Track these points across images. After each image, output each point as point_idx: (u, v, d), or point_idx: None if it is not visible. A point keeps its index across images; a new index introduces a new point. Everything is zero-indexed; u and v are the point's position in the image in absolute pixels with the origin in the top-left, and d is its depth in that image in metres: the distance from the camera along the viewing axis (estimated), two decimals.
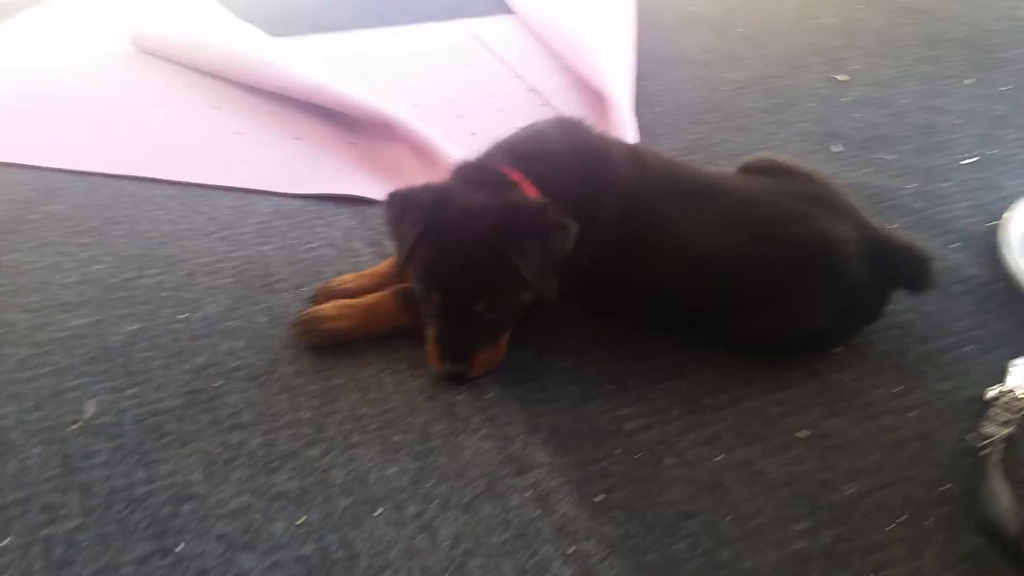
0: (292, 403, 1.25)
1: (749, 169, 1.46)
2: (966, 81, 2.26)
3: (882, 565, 1.00)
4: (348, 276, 1.45)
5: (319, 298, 1.42)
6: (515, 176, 1.25)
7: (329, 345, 1.33)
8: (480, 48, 2.55)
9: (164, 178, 1.84)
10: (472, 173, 1.28)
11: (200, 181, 1.82)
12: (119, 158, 1.92)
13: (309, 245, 1.61)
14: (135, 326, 1.40)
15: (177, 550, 1.03)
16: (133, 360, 1.33)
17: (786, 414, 1.21)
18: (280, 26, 2.63)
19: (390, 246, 1.31)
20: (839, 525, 1.05)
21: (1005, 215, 1.60)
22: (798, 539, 1.03)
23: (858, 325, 1.33)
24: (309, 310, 1.35)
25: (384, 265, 1.45)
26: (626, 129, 1.92)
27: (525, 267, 1.16)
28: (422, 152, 1.85)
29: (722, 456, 1.15)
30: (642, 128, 1.99)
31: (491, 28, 2.70)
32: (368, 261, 1.54)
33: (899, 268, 1.30)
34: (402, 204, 1.23)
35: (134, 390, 1.27)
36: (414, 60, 2.48)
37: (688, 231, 1.29)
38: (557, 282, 1.18)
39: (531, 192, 1.24)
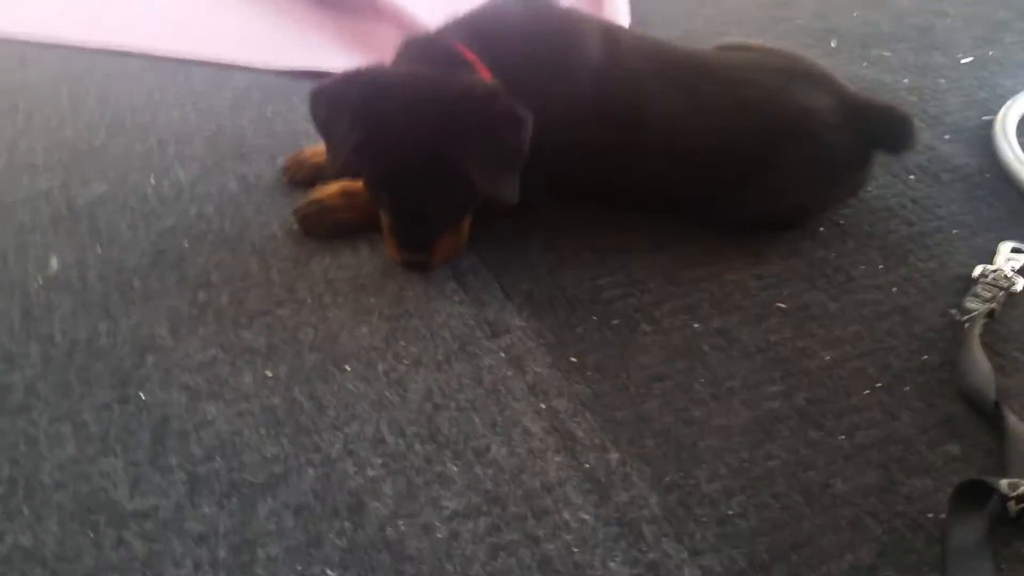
0: (263, 265, 1.21)
1: (726, 49, 1.41)
2: None
3: (856, 426, 0.99)
4: (319, 147, 1.39)
5: (290, 170, 1.38)
6: (469, 55, 1.14)
7: (336, 236, 1.26)
8: None
9: (138, 51, 1.77)
10: (420, 51, 1.16)
11: (175, 54, 1.76)
12: (93, 30, 1.84)
13: (285, 118, 1.56)
14: (102, 188, 1.36)
15: (140, 398, 1.01)
16: (99, 221, 1.29)
17: (765, 287, 1.19)
18: None
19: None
20: (814, 389, 1.03)
21: (1003, 107, 1.57)
22: (771, 400, 1.02)
23: (843, 193, 1.31)
24: (312, 198, 1.26)
25: None
26: (619, 15, 1.86)
27: (471, 168, 1.05)
28: (405, 28, 1.79)
29: (698, 325, 1.13)
30: (635, 20, 1.92)
31: None
32: None
33: (879, 130, 1.27)
34: (330, 104, 1.12)
35: (99, 249, 1.24)
36: None
37: (667, 112, 1.22)
38: (514, 183, 1.06)
39: (485, 74, 1.14)
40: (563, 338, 1.10)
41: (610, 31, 1.28)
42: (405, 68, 1.15)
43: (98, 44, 1.80)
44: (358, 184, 1.26)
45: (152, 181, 1.38)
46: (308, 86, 1.60)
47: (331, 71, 1.65)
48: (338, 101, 1.11)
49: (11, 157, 1.43)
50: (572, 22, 1.27)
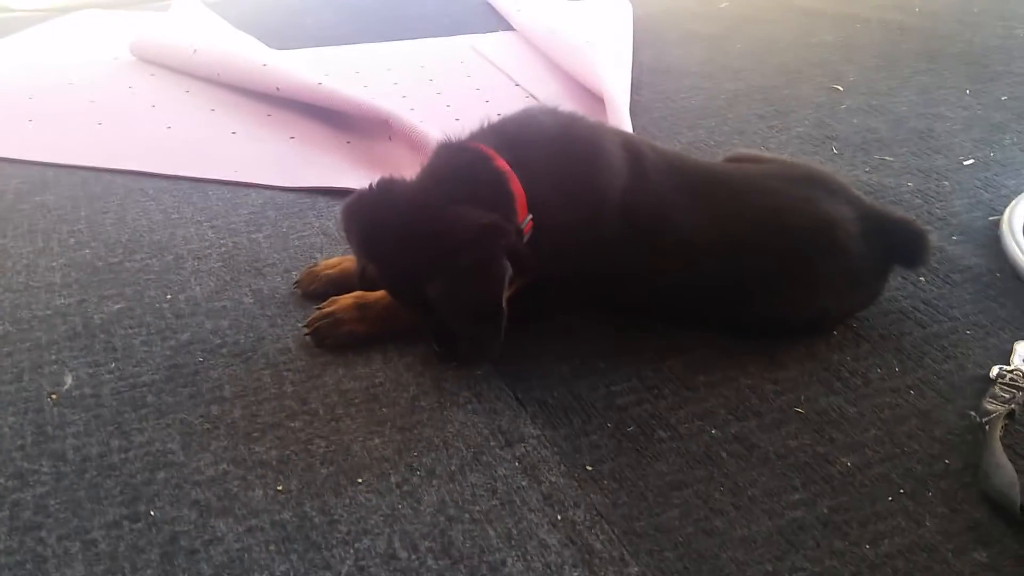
0: (276, 378, 1.21)
1: (735, 160, 1.44)
2: (964, 92, 2.25)
3: (881, 535, 0.96)
4: (333, 260, 1.42)
5: (304, 283, 1.39)
6: (500, 163, 1.17)
7: (348, 346, 1.26)
8: (479, 59, 2.56)
9: (156, 172, 1.83)
10: (451, 156, 1.20)
11: (192, 175, 1.81)
12: (112, 154, 1.91)
13: (300, 234, 1.59)
14: (119, 305, 1.37)
15: (150, 515, 0.99)
16: (115, 337, 1.30)
17: (782, 392, 1.18)
18: (277, 41, 2.63)
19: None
20: (836, 496, 1.01)
21: (1008, 207, 1.59)
22: (793, 509, 0.99)
23: (860, 303, 1.31)
24: (324, 310, 1.28)
25: None
26: (623, 128, 1.91)
27: (440, 305, 1.11)
28: (418, 149, 1.84)
29: (715, 431, 1.11)
30: (639, 131, 1.98)
31: (490, 42, 2.71)
32: None
33: (895, 244, 1.28)
34: (347, 220, 1.19)
35: (114, 364, 1.24)
36: (412, 70, 2.48)
37: (689, 221, 1.24)
38: (488, 331, 1.09)
39: (514, 183, 1.16)
40: (578, 446, 1.09)
41: (634, 143, 1.31)
42: (415, 186, 1.18)
43: (117, 165, 1.85)
44: (371, 296, 1.27)
45: (168, 297, 1.39)
46: (323, 202, 1.68)
47: (347, 188, 1.70)
48: (352, 220, 1.18)
49: (29, 276, 1.45)
50: (599, 133, 1.30)
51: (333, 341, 1.27)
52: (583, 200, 1.21)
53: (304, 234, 1.58)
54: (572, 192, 1.20)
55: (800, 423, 1.12)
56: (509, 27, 2.86)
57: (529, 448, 1.09)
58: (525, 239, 1.15)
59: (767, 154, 1.44)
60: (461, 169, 1.17)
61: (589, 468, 1.06)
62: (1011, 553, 0.93)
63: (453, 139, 1.23)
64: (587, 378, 1.21)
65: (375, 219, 1.15)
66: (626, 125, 1.95)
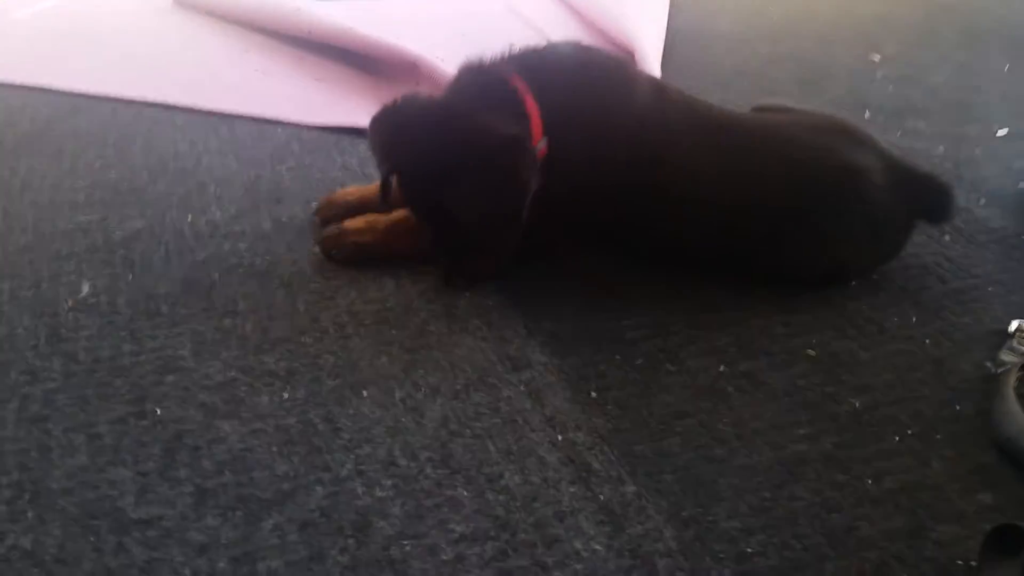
0: (289, 297, 1.22)
1: (762, 110, 1.42)
2: (1003, 69, 2.20)
3: (885, 471, 0.95)
4: (351, 188, 1.42)
5: (323, 210, 1.40)
6: (518, 83, 1.19)
7: (355, 260, 1.28)
8: (511, 15, 2.54)
9: (184, 105, 1.84)
10: (473, 77, 1.22)
11: (220, 108, 1.82)
12: (143, 85, 1.92)
13: (323, 168, 1.59)
14: (140, 224, 1.39)
15: (156, 413, 1.01)
16: (134, 252, 1.31)
17: (794, 334, 1.17)
18: None
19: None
20: (842, 433, 1.00)
21: None
22: (797, 442, 0.99)
23: (882, 257, 1.29)
24: (335, 226, 1.30)
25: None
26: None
27: (461, 212, 1.13)
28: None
29: (724, 367, 1.10)
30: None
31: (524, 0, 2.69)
32: None
33: (920, 198, 1.26)
34: (374, 133, 1.22)
35: (131, 277, 1.26)
36: (444, 23, 2.46)
37: (711, 165, 1.22)
38: (507, 230, 1.14)
39: (530, 105, 1.18)
40: (584, 375, 1.09)
41: (656, 81, 1.31)
42: (440, 100, 1.21)
43: (147, 97, 1.86)
44: (381, 217, 1.29)
45: (189, 219, 1.40)
46: (346, 140, 1.68)
47: None
48: (378, 131, 1.21)
49: (54, 194, 1.47)
50: (622, 69, 1.30)
51: (340, 253, 1.28)
52: (597, 129, 1.20)
53: (326, 169, 1.59)
54: (587, 120, 1.20)
55: (810, 364, 1.11)
56: None
57: (536, 374, 1.09)
58: (539, 164, 1.15)
59: (795, 105, 1.42)
60: (482, 88, 1.19)
61: (594, 395, 1.05)
62: (1017, 496, 0.92)
63: (475, 62, 1.24)
64: (598, 313, 1.20)
65: (401, 127, 1.18)
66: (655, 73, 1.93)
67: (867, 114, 1.89)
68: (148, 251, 1.32)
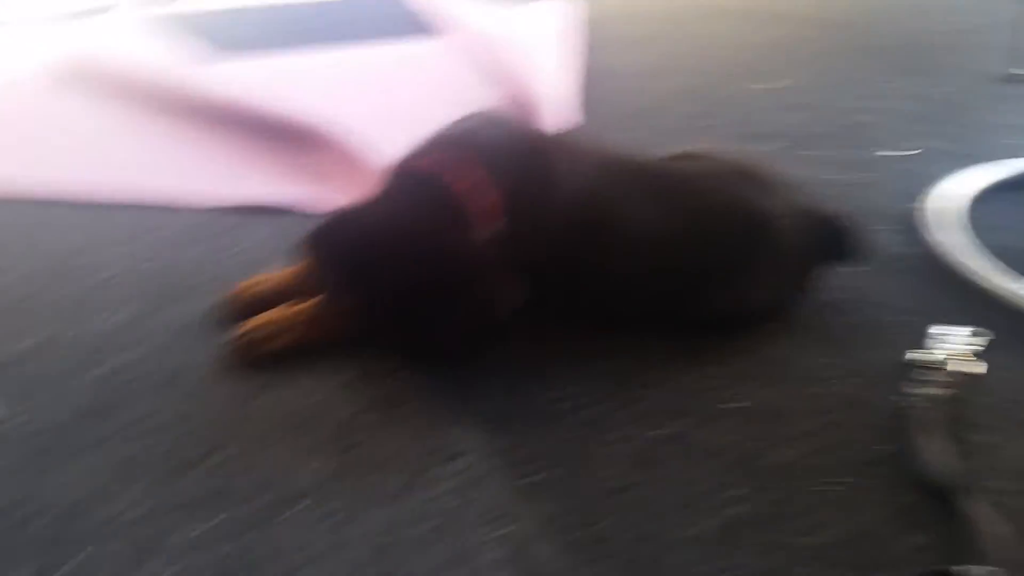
0: (200, 408, 1.17)
1: (678, 158, 1.45)
2: (891, 85, 2.33)
3: (820, 526, 0.97)
4: (259, 278, 1.38)
5: (232, 304, 1.35)
6: (461, 185, 1.16)
7: (270, 363, 1.24)
8: (412, 67, 2.52)
9: (71, 195, 1.75)
10: (410, 182, 1.19)
11: (114, 196, 1.74)
12: (26, 179, 1.82)
13: (228, 253, 1.54)
14: (31, 341, 1.31)
15: (65, 567, 0.95)
16: (27, 373, 1.24)
17: (716, 388, 1.19)
18: (207, 51, 2.56)
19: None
20: (776, 490, 1.02)
21: (928, 195, 1.64)
22: (735, 505, 1.00)
23: (792, 299, 1.33)
24: (245, 327, 1.26)
25: (298, 267, 1.38)
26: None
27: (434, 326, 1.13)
28: (351, 159, 1.81)
29: (654, 432, 1.11)
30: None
31: (424, 49, 2.68)
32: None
33: (826, 239, 1.31)
34: (322, 250, 1.18)
35: (27, 404, 1.18)
36: (345, 79, 2.44)
37: (630, 220, 1.24)
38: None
39: (475, 204, 1.16)
40: (520, 458, 1.08)
41: (580, 142, 1.31)
42: (386, 212, 1.17)
43: (34, 190, 1.77)
44: (288, 311, 1.26)
45: (86, 328, 1.34)
46: (251, 220, 1.64)
47: (280, 205, 1.67)
48: (328, 248, 1.17)
49: None
50: (543, 139, 1.31)
51: (256, 356, 1.24)
52: (537, 208, 1.20)
53: (231, 253, 1.54)
54: (526, 201, 1.19)
55: (736, 418, 1.13)
56: (440, 33, 2.81)
57: (471, 462, 1.07)
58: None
59: (705, 150, 1.45)
60: (422, 191, 1.17)
61: (531, 480, 1.04)
62: (947, 534, 0.95)
63: (405, 160, 1.22)
64: (525, 385, 1.20)
65: (355, 246, 1.15)
66: (570, 123, 1.95)
67: (766, 145, 1.95)
68: (43, 371, 1.25)
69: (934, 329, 1.25)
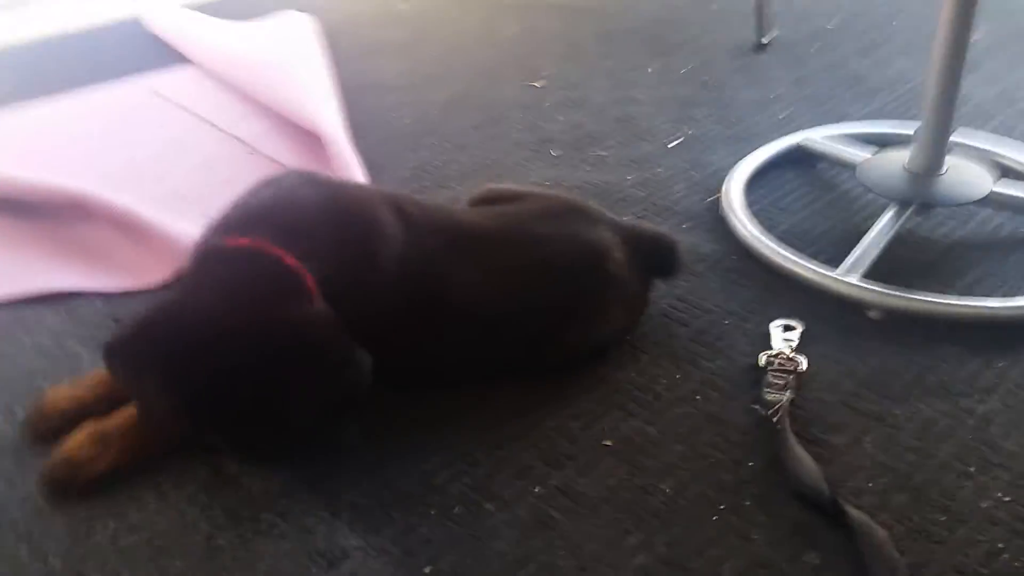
0: (34, 553, 1.02)
1: (477, 202, 1.43)
2: (648, 70, 2.39)
3: (716, 559, 0.99)
4: (63, 389, 1.22)
5: (34, 424, 1.19)
6: (290, 262, 1.07)
7: (102, 485, 1.10)
8: (164, 103, 2.32)
9: None
10: (230, 263, 1.08)
11: None
12: None
13: (13, 359, 1.35)
14: None
15: None
16: None
17: (586, 427, 1.18)
18: None
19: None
20: (668, 529, 1.03)
21: (723, 185, 1.72)
22: (634, 555, 1.00)
23: (634, 320, 1.35)
24: (56, 456, 1.10)
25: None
26: (352, 167, 1.82)
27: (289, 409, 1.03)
28: (125, 226, 1.63)
29: (539, 488, 1.09)
30: (362, 159, 1.89)
31: (172, 81, 2.47)
32: (89, 363, 1.32)
33: (652, 258, 1.35)
34: (129, 362, 1.04)
35: None
36: (89, 126, 2.20)
37: (464, 282, 1.21)
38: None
39: (309, 281, 1.08)
40: (408, 547, 1.02)
41: (399, 203, 1.25)
42: (216, 295, 1.05)
43: None
44: (108, 422, 1.12)
45: None
46: (30, 314, 1.45)
47: (53, 290, 1.48)
48: (140, 359, 1.03)
49: None
50: (367, 201, 1.23)
51: (75, 491, 1.09)
52: (366, 279, 1.14)
53: (17, 359, 1.35)
54: (354, 274, 1.13)
55: (612, 457, 1.14)
56: (187, 61, 2.60)
57: (356, 563, 1.00)
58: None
59: (518, 187, 1.44)
60: (248, 268, 1.07)
61: (426, 570, 0.99)
62: (840, 550, 0.98)
63: (214, 238, 1.12)
64: (397, 462, 1.14)
65: (173, 348, 1.00)
66: (352, 159, 1.86)
67: (552, 152, 1.96)
68: None
69: (772, 325, 1.32)
